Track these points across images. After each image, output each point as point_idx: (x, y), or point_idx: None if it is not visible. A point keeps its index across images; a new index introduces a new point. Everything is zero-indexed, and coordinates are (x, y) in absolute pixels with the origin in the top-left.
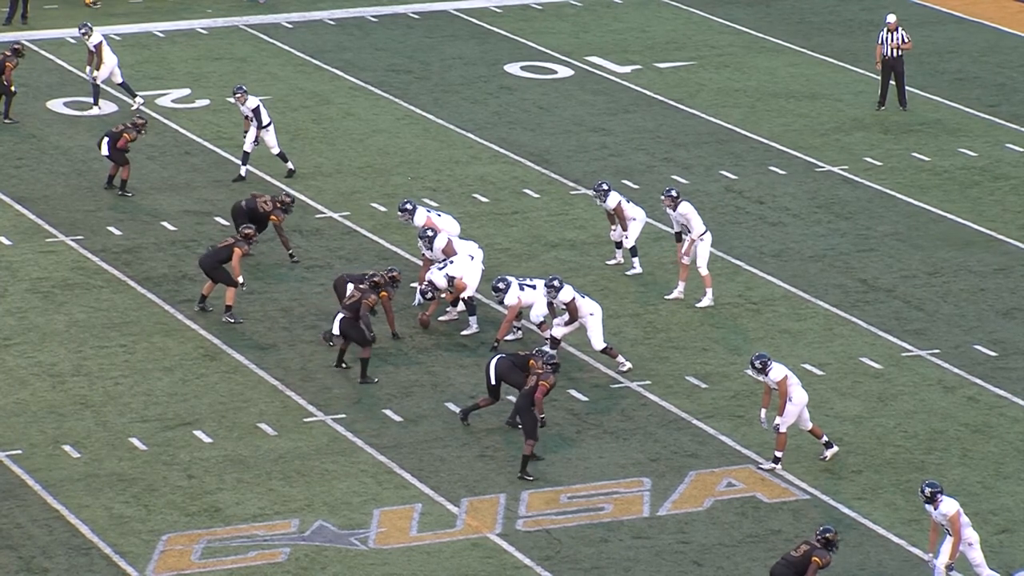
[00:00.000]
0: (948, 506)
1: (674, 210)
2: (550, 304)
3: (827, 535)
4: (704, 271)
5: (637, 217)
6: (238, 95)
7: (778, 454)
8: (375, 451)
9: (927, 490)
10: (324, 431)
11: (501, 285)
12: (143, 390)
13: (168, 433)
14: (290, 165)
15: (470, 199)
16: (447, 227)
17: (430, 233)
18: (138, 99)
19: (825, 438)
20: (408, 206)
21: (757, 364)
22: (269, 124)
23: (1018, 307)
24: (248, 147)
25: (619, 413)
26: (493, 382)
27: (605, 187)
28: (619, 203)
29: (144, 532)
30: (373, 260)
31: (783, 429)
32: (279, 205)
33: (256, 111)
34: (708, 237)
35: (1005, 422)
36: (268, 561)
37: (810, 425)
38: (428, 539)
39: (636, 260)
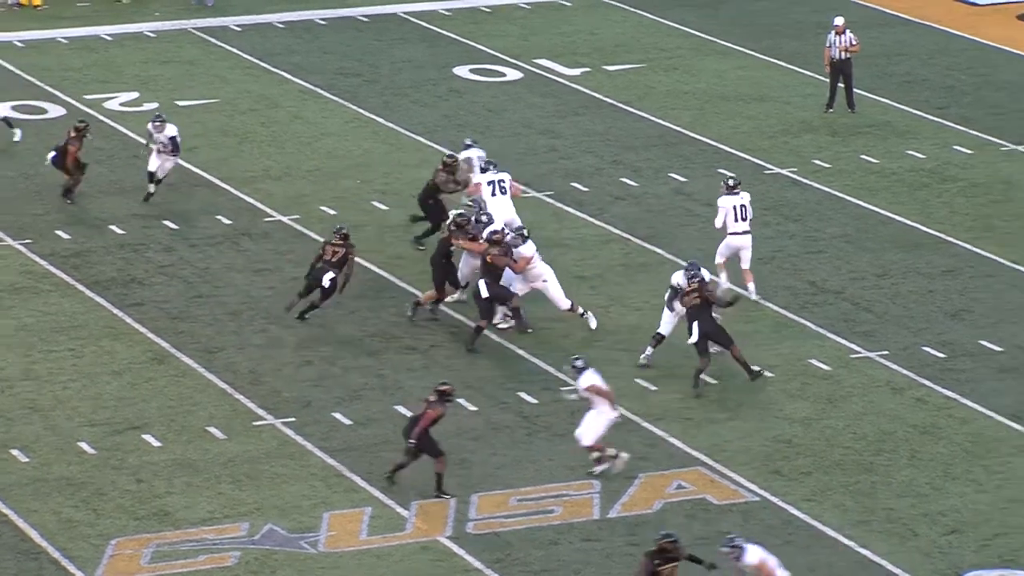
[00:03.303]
0: (752, 555)
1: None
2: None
3: (662, 542)
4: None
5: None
6: (158, 123)
7: None
8: (325, 454)
9: (729, 546)
10: (273, 434)
11: (525, 232)
12: (91, 394)
13: (117, 437)
14: (151, 189)
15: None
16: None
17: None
18: (17, 132)
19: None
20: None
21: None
22: (176, 154)
23: (966, 309)
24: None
25: (568, 415)
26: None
27: None
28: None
29: (93, 536)
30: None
31: None
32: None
33: (173, 140)
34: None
35: (953, 423)
36: (218, 565)
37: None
38: (378, 542)
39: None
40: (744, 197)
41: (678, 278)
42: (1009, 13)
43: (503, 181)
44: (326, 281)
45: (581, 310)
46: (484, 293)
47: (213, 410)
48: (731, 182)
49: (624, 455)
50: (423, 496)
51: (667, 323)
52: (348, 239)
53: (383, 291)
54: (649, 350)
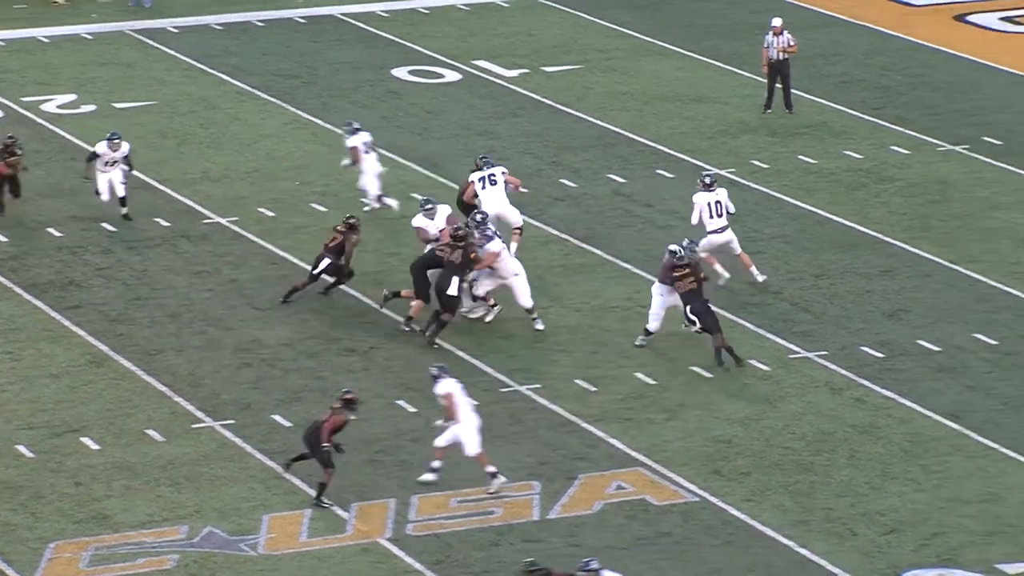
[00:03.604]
0: None
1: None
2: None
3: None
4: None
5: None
6: (114, 141)
7: None
8: (264, 457)
9: (585, 570)
10: (213, 437)
11: (490, 232)
12: (29, 397)
13: (55, 440)
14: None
15: (358, 204)
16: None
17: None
18: None
19: None
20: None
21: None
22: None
23: (904, 309)
24: (105, 193)
25: (508, 417)
26: None
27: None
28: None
29: (31, 540)
30: (261, 265)
31: None
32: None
33: (127, 158)
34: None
35: (892, 423)
36: (157, 568)
37: None
38: (318, 544)
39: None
40: (720, 194)
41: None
42: (945, 13)
43: (493, 175)
44: (320, 266)
45: (535, 314)
46: (454, 291)
47: (152, 413)
48: (707, 179)
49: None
50: (363, 498)
51: (655, 317)
52: (354, 228)
53: (323, 293)
54: (642, 338)
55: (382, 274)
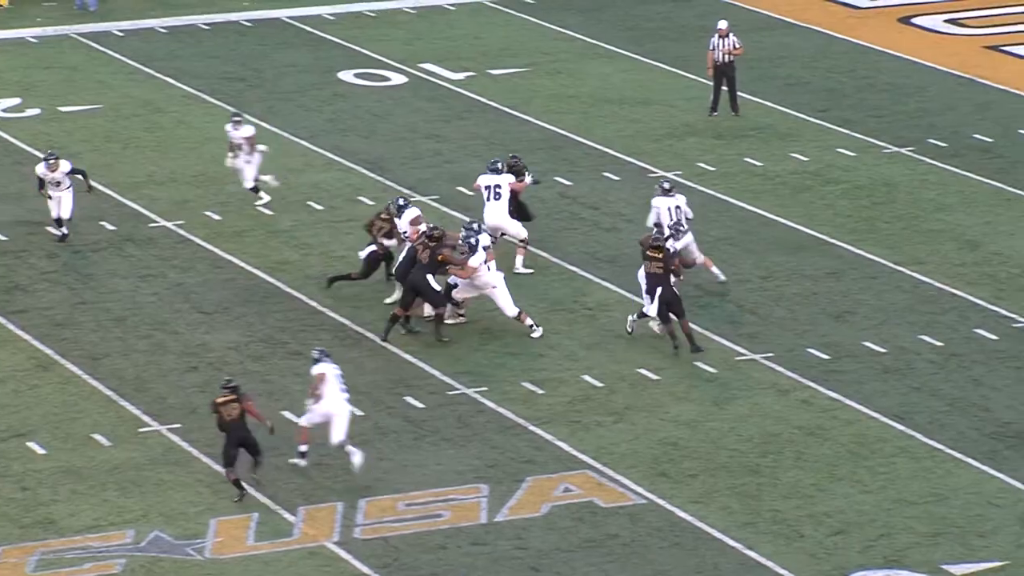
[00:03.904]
0: None
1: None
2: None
3: None
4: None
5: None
6: (51, 161)
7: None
8: (211, 460)
9: None
10: (159, 441)
11: (473, 241)
12: None
13: (1, 445)
14: (64, 230)
15: (304, 207)
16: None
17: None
18: None
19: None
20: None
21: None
22: (70, 188)
23: (850, 310)
24: (63, 213)
25: (456, 420)
26: None
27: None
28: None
29: None
30: (207, 269)
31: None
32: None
33: (69, 175)
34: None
35: (838, 424)
36: (103, 573)
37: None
38: (265, 548)
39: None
40: (679, 199)
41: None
42: (890, 16)
43: (499, 186)
44: (362, 253)
45: (530, 321)
46: (433, 287)
47: (98, 417)
48: (666, 185)
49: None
50: (310, 502)
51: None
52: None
53: (269, 296)
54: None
55: (328, 277)
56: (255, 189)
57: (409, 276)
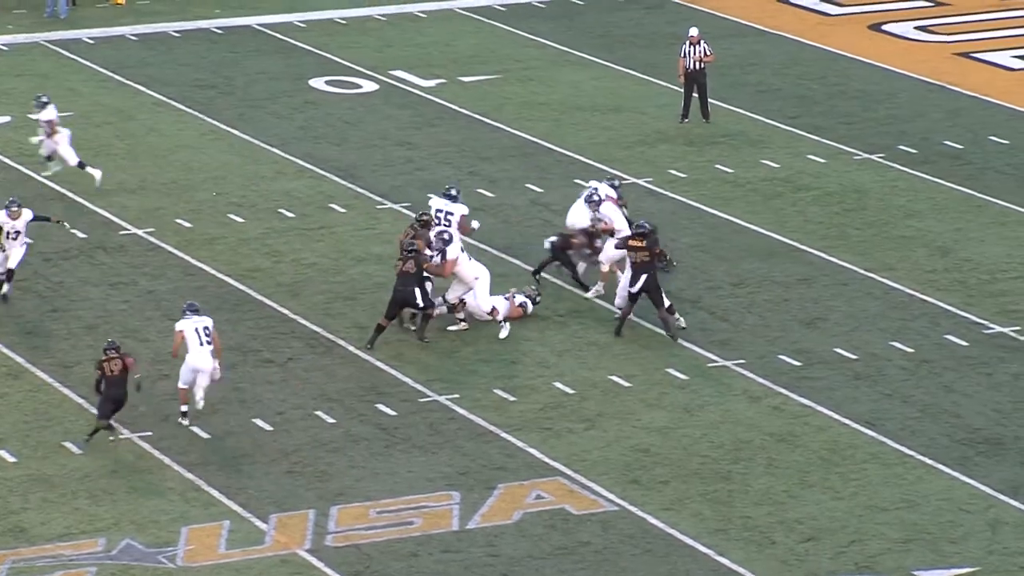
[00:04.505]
0: None
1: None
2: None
3: None
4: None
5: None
6: (13, 209)
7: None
8: (182, 468)
9: None
10: (130, 448)
11: (447, 235)
12: None
13: None
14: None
15: (276, 214)
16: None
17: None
18: None
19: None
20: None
21: None
22: (24, 245)
23: (821, 317)
24: (11, 264)
25: (428, 427)
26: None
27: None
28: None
29: None
30: (178, 276)
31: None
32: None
33: (33, 221)
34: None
35: (809, 431)
36: None
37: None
38: (237, 556)
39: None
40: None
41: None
42: (860, 23)
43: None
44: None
45: (501, 317)
46: (419, 302)
47: (69, 425)
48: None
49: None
50: (282, 509)
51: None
52: (427, 226)
53: (240, 304)
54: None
55: (299, 285)
56: (81, 165)
57: (397, 289)
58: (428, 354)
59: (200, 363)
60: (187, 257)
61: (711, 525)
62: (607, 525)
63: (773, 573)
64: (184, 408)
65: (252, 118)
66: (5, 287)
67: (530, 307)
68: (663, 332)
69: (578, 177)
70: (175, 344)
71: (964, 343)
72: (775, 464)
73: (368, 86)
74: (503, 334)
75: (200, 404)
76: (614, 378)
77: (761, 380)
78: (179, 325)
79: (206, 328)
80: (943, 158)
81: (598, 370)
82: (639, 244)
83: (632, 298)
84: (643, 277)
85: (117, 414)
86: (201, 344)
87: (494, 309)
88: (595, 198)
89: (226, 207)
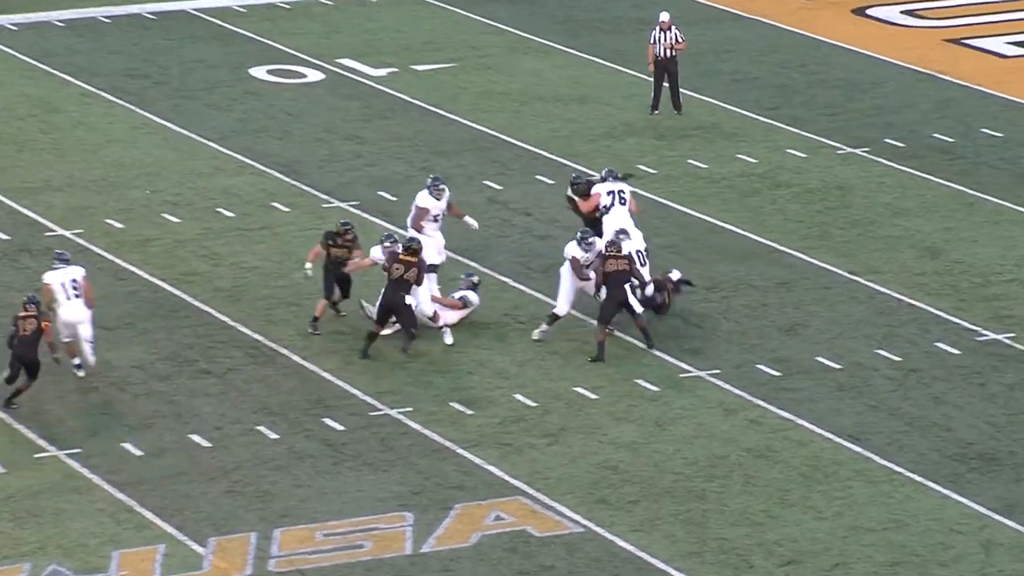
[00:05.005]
0: None
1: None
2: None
3: None
4: None
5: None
6: None
7: None
8: (113, 488)
9: None
10: (57, 467)
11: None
12: None
13: None
14: None
15: (214, 214)
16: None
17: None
18: None
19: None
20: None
21: None
22: None
23: (802, 323)
24: None
25: (378, 443)
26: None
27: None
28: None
29: None
30: (109, 281)
31: None
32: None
33: None
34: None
35: (790, 446)
36: None
37: None
38: None
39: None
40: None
41: (573, 250)
42: (843, 7)
43: (623, 192)
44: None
45: (443, 323)
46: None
47: None
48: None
49: None
50: (221, 531)
51: (564, 301)
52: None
53: (175, 311)
54: (544, 327)
55: (239, 289)
56: None
57: (387, 295)
58: (379, 364)
59: (71, 316)
60: (118, 260)
61: (684, 548)
62: (572, 548)
63: None
64: (76, 361)
65: (188, 110)
66: None
67: (473, 298)
68: (636, 341)
69: (539, 173)
70: (46, 298)
71: (955, 351)
72: (753, 482)
73: (313, 75)
74: (448, 340)
75: (91, 359)
76: (579, 390)
77: (738, 391)
78: (47, 277)
79: (74, 281)
80: (932, 152)
81: (562, 381)
82: (615, 253)
83: (613, 313)
84: (625, 286)
85: (30, 390)
86: (69, 298)
87: (436, 313)
88: (589, 239)
89: (160, 206)
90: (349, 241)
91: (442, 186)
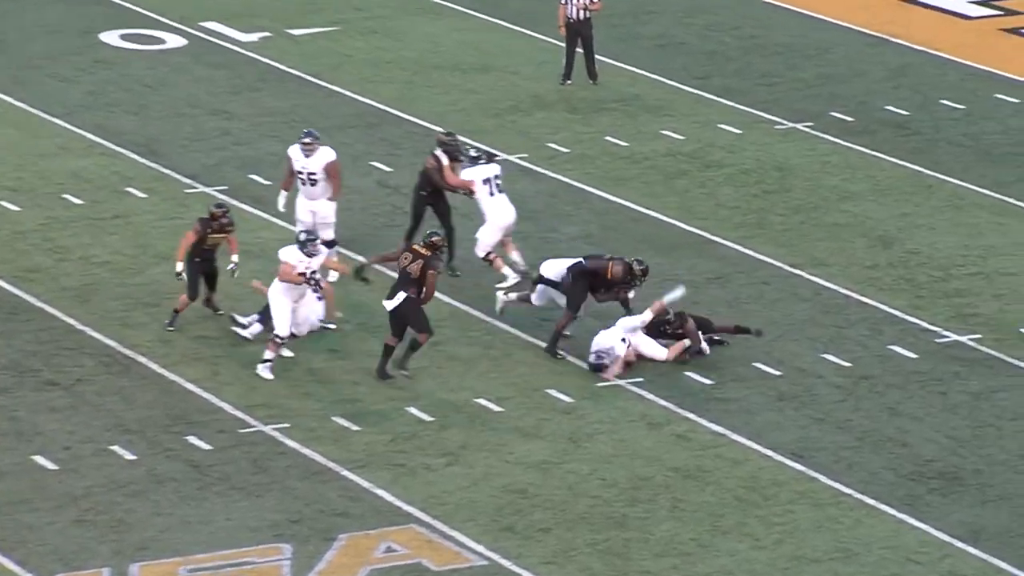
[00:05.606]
0: None
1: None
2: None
3: None
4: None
5: None
6: None
7: None
8: None
9: None
10: None
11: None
12: None
13: None
14: None
15: (60, 200)
16: None
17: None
18: None
19: None
20: None
21: None
22: None
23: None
24: None
25: (250, 464)
26: None
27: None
28: None
29: None
30: None
31: None
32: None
33: None
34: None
35: (723, 465)
36: None
37: None
38: None
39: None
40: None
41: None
42: None
43: (499, 178)
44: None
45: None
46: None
47: None
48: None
49: None
50: (70, 566)
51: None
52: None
53: (15, 313)
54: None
55: (89, 288)
56: None
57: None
58: (250, 373)
59: None
60: None
61: None
62: None
63: None
64: None
65: (29, 81)
66: None
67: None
68: (543, 344)
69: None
70: None
71: (912, 355)
72: (681, 506)
73: (174, 41)
74: (246, 333)
75: None
76: (482, 401)
77: (663, 402)
78: None
79: None
80: (885, 127)
81: (462, 392)
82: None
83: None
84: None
85: None
86: None
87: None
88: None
89: None
90: (226, 226)
91: (308, 140)
